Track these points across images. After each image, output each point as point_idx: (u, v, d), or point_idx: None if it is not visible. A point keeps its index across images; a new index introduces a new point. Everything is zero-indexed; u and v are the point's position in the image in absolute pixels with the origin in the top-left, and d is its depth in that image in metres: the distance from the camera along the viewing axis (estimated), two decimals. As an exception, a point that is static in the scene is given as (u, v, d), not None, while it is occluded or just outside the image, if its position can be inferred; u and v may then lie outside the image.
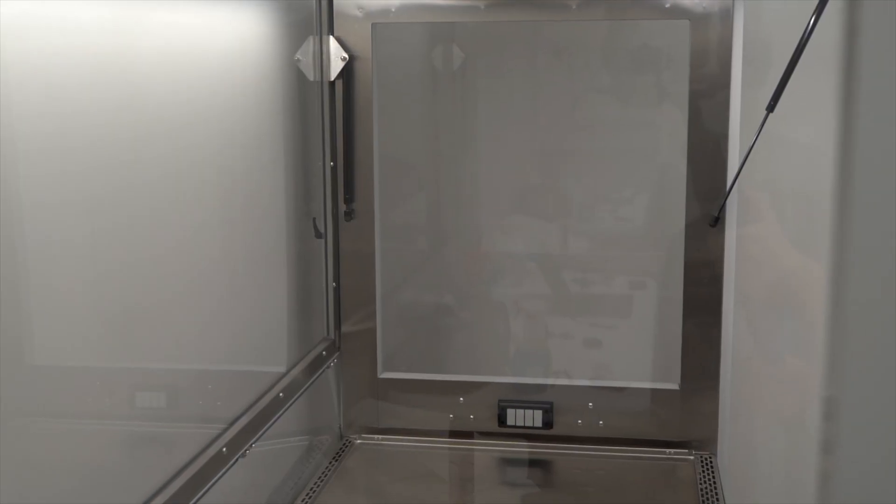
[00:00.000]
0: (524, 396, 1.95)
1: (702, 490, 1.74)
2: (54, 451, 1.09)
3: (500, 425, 1.95)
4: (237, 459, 1.48)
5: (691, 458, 1.87)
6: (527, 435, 1.94)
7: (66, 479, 1.11)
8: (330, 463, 1.88)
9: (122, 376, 1.26)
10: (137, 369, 1.30)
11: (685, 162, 1.83)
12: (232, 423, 1.50)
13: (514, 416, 1.94)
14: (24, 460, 1.02)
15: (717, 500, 1.70)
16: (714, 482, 1.77)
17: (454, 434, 1.97)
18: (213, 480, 1.39)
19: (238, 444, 1.49)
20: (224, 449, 1.42)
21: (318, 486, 1.78)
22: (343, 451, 1.94)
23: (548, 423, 1.93)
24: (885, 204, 1.00)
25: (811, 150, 1.23)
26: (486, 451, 1.94)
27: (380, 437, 1.99)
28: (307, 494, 1.75)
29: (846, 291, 1.10)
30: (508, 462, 1.92)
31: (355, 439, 1.99)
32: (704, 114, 1.81)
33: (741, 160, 1.82)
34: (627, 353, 2.14)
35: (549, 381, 1.96)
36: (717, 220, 1.82)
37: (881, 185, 1.01)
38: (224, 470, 1.44)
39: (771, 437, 2.39)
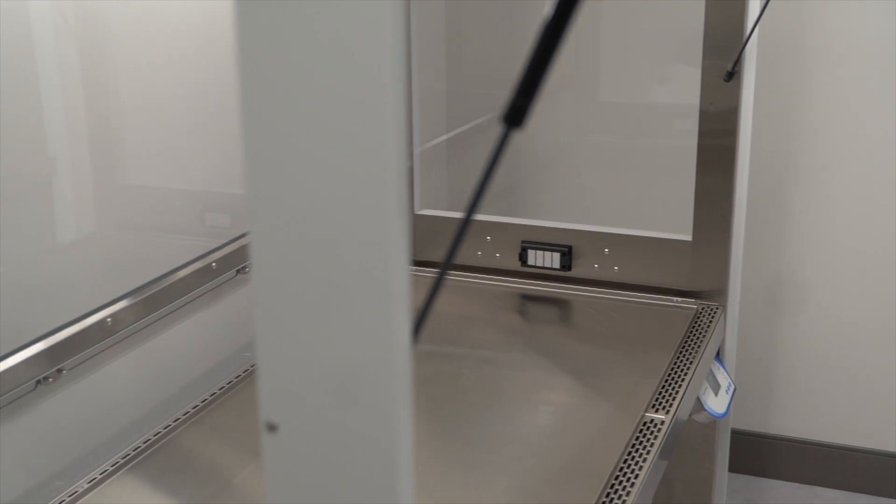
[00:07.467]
0: (546, 239, 2.05)
1: (688, 332, 1.80)
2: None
3: (521, 265, 2.07)
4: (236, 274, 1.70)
5: (695, 306, 1.92)
6: (546, 275, 2.05)
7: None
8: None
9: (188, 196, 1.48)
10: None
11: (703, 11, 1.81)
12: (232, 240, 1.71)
13: (535, 257, 2.05)
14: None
15: (699, 344, 1.76)
16: (706, 328, 1.82)
17: (480, 270, 2.11)
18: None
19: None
20: (214, 264, 1.64)
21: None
22: (380, 279, 2.13)
23: (565, 266, 2.03)
24: None
25: None
26: (508, 287, 2.07)
27: (416, 268, 2.16)
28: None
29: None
30: (526, 298, 2.04)
31: (393, 269, 2.17)
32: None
33: (762, 5, 1.78)
34: (646, 204, 2.19)
35: (570, 226, 2.04)
36: (732, 75, 1.80)
37: None
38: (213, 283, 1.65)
39: (778, 293, 2.39)
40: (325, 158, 0.52)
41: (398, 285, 0.54)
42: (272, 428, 0.59)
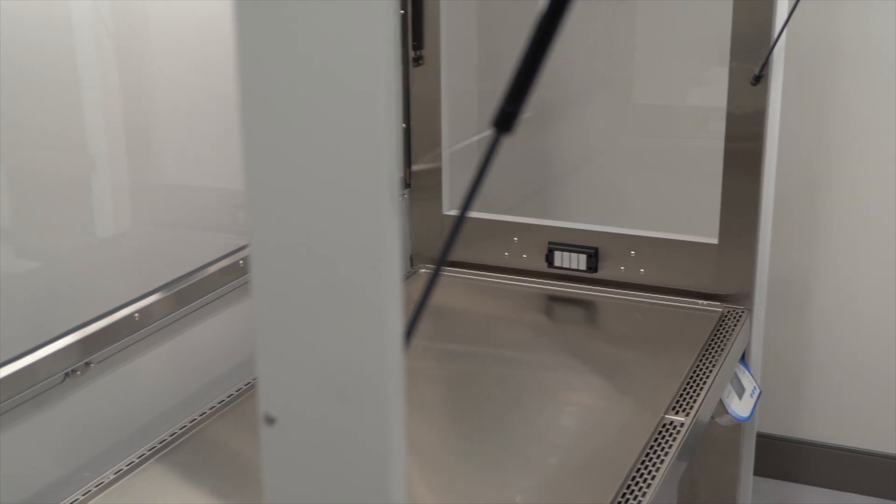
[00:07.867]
0: (573, 241, 2.05)
1: (713, 335, 1.80)
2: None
3: (548, 266, 2.08)
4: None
5: (720, 309, 1.92)
6: (572, 277, 2.06)
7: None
8: (391, 287, 2.10)
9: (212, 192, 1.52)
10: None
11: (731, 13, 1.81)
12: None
13: (561, 259, 2.05)
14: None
15: (723, 347, 1.76)
16: (730, 332, 1.82)
17: (507, 270, 2.12)
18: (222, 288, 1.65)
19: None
20: (242, 262, 1.66)
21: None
22: (408, 277, 2.15)
23: (592, 268, 2.03)
24: None
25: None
26: (534, 287, 2.08)
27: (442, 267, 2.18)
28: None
29: None
30: (552, 299, 2.05)
31: (421, 268, 2.19)
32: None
33: (790, 9, 1.78)
34: (672, 207, 2.18)
35: (597, 228, 2.04)
36: (759, 79, 1.80)
37: None
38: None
39: (806, 296, 2.37)
40: (320, 164, 0.54)
41: (391, 285, 0.56)
42: (270, 421, 0.61)
